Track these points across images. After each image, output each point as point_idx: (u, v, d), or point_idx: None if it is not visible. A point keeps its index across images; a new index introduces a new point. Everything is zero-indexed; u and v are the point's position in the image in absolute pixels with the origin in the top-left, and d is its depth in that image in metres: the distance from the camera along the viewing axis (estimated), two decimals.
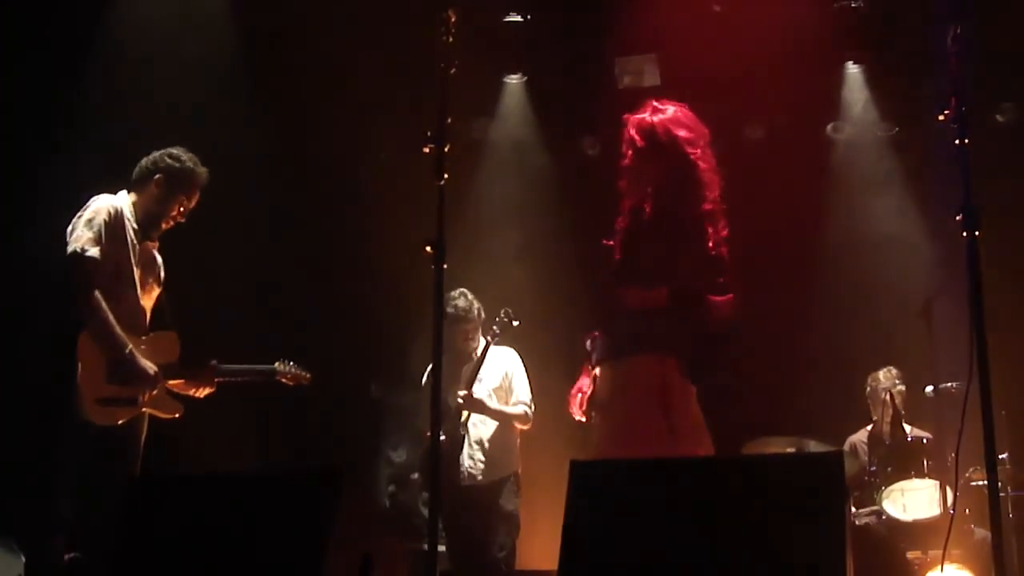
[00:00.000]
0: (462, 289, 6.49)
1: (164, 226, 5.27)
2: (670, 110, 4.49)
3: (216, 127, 6.68)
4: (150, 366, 5.07)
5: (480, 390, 6.39)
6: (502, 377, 6.53)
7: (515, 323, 6.42)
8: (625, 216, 4.54)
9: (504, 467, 6.44)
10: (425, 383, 6.46)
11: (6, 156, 6.36)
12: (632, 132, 4.49)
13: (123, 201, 5.19)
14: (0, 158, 6.35)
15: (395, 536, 7.18)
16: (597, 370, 4.57)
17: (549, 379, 6.70)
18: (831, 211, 8.24)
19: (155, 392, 5.11)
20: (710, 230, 4.35)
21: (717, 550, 3.07)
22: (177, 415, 5.26)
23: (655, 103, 4.54)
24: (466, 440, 6.35)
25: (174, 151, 5.27)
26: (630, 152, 4.51)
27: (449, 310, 6.32)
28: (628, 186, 4.54)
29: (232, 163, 6.62)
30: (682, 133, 4.41)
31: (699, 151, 4.41)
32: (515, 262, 7.86)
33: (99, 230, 5.01)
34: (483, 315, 6.55)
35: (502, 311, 6.45)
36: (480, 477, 6.37)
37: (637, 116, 4.52)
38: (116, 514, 3.75)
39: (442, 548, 6.37)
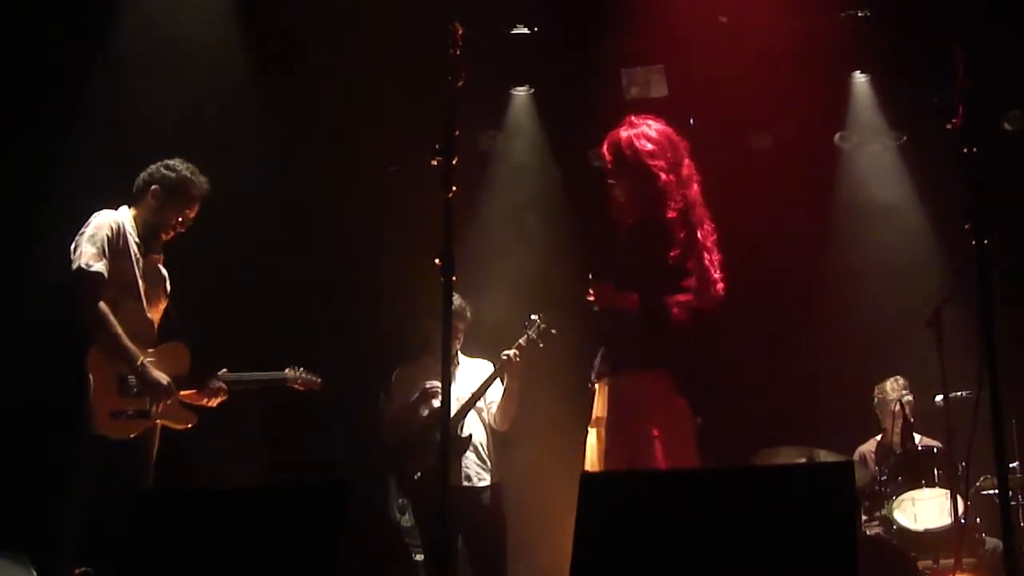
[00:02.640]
0: None
1: (164, 236, 5.30)
2: (641, 125, 4.70)
3: (225, 140, 6.70)
4: (162, 377, 5.10)
5: (461, 393, 6.35)
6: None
7: (553, 331, 6.40)
8: (608, 225, 4.78)
9: (497, 471, 6.50)
10: (395, 382, 6.57)
11: (11, 171, 6.39)
12: (604, 148, 4.77)
13: (124, 216, 5.22)
14: (4, 173, 6.37)
15: (406, 549, 7.17)
16: (595, 386, 4.70)
17: (557, 391, 6.71)
18: (839, 220, 8.23)
19: (168, 403, 5.13)
20: (676, 237, 4.50)
21: (727, 561, 3.06)
22: (190, 425, 5.29)
23: (632, 118, 4.76)
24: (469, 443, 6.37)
25: (170, 162, 5.32)
26: (605, 167, 4.76)
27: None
28: (610, 199, 4.77)
29: (241, 175, 6.65)
30: (646, 146, 4.61)
31: (662, 163, 4.58)
32: (522, 274, 7.85)
33: (102, 245, 5.05)
34: (470, 315, 6.54)
35: (537, 317, 6.40)
36: (478, 480, 6.40)
37: (612, 132, 4.74)
38: (127, 528, 3.76)
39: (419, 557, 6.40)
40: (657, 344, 4.47)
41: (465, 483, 6.32)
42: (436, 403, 6.25)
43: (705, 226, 4.59)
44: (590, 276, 4.66)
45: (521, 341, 6.35)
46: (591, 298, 4.63)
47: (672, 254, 4.48)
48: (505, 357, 6.33)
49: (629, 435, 4.46)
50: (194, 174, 5.32)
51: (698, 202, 4.62)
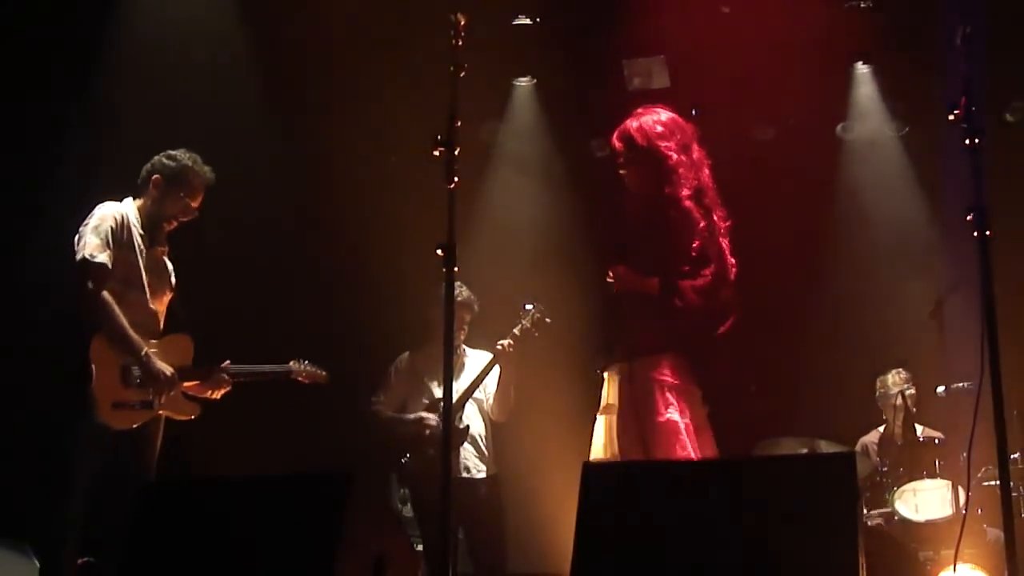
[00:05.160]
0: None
1: (167, 226, 5.29)
2: (649, 113, 4.77)
3: (226, 133, 6.69)
4: (166, 368, 5.10)
5: (463, 385, 6.36)
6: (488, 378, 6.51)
7: (548, 320, 6.39)
8: (622, 217, 4.84)
9: (495, 464, 6.51)
10: (398, 370, 6.58)
11: (14, 164, 6.38)
12: (615, 140, 4.80)
13: (128, 208, 5.23)
14: (8, 166, 6.37)
15: (407, 538, 7.18)
16: (605, 374, 4.70)
17: (559, 381, 6.71)
18: (841, 211, 8.22)
19: (171, 394, 5.14)
20: (695, 221, 4.54)
21: (729, 551, 3.07)
22: (193, 416, 5.30)
23: (640, 110, 4.82)
24: (466, 433, 6.38)
25: (172, 152, 5.33)
26: (617, 159, 4.80)
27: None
28: (623, 189, 4.80)
29: (243, 168, 6.65)
30: (656, 128, 4.69)
31: (672, 144, 4.64)
32: (525, 265, 7.85)
33: (106, 236, 5.05)
34: (478, 308, 6.55)
35: (532, 306, 6.40)
36: (477, 472, 6.40)
37: (621, 124, 4.79)
38: (130, 519, 3.76)
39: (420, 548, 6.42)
40: (674, 329, 4.49)
41: (463, 474, 6.31)
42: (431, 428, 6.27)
43: (718, 211, 4.64)
44: (610, 259, 4.71)
45: (516, 330, 6.35)
46: (611, 280, 4.67)
47: (692, 240, 4.51)
48: (500, 347, 6.33)
49: (648, 422, 4.43)
50: (195, 163, 5.31)
51: (710, 187, 4.67)
